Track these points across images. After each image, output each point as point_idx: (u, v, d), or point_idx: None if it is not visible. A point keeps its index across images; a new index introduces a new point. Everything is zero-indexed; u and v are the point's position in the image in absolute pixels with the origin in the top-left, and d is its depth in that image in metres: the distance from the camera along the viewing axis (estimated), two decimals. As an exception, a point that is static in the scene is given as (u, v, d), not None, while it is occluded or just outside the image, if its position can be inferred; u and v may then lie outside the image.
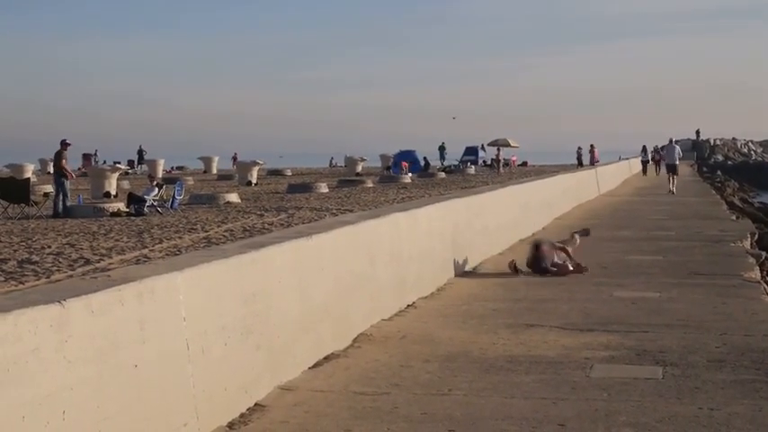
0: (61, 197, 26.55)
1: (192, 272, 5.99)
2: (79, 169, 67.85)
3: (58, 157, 27.39)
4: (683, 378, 7.26)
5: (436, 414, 6.37)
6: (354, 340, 8.64)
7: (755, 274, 13.29)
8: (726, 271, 13.30)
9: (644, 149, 58.66)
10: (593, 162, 61.99)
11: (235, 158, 64.48)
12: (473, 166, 66.74)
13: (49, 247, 17.46)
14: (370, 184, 43.40)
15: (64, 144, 27.26)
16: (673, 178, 36.49)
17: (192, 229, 20.97)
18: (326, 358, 7.91)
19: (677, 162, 37.56)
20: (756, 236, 20.57)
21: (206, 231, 20.17)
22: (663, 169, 45.76)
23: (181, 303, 5.79)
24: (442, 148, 76.36)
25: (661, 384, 7.11)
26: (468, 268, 13.61)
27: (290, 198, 33.67)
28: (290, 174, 63.32)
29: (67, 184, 26.93)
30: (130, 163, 73.41)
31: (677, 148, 38.78)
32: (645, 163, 57.66)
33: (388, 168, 63.17)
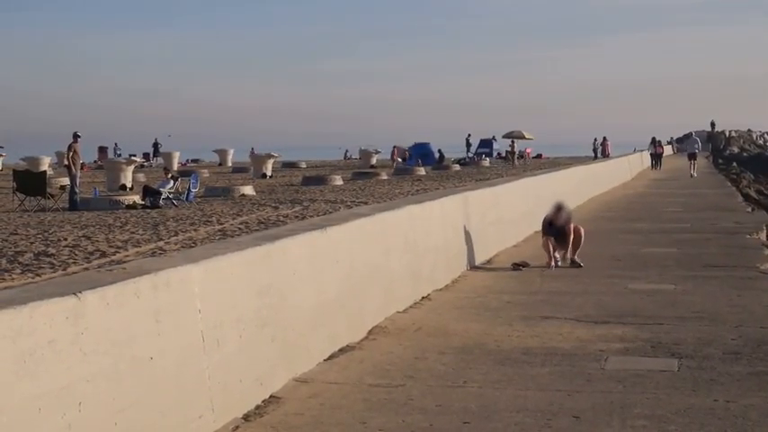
0: (69, 190, 26.70)
1: (207, 264, 6.01)
2: (95, 162, 68.21)
3: (67, 149, 27.55)
4: (699, 370, 7.23)
5: (451, 406, 6.38)
6: (369, 332, 8.64)
7: (772, 266, 13.22)
8: (741, 263, 13.24)
9: (653, 141, 58.00)
10: (604, 154, 61.78)
11: (252, 153, 64.55)
12: (488, 159, 66.62)
13: (66, 239, 17.54)
14: (385, 177, 43.37)
15: (75, 136, 27.35)
16: (693, 164, 45.03)
17: (208, 221, 21.02)
18: (341, 350, 7.92)
19: (696, 151, 47.35)
20: (772, 227, 20.44)
21: (221, 224, 20.21)
22: (663, 165, 53.48)
23: (196, 296, 5.80)
24: (468, 141, 76.14)
25: (676, 377, 7.09)
26: (482, 260, 13.61)
27: (305, 190, 33.70)
28: (304, 166, 63.36)
29: (77, 176, 26.97)
30: (146, 156, 73.60)
31: (697, 139, 49.99)
32: (657, 156, 56.96)
33: (402, 160, 63.14)
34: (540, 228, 17.23)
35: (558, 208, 13.71)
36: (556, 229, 13.41)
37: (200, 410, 5.67)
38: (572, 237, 13.27)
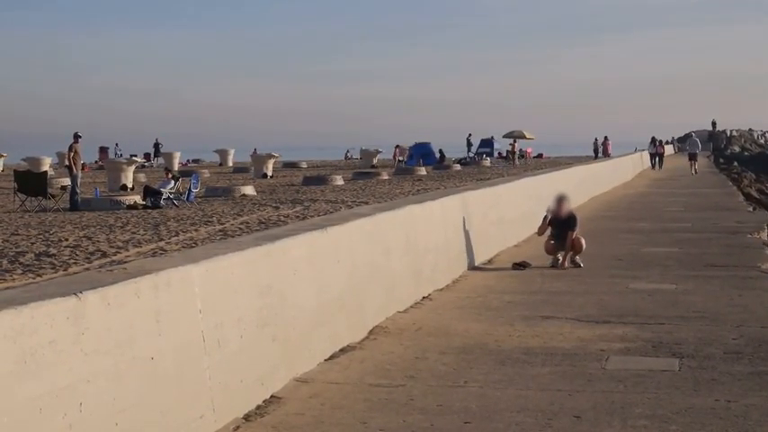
0: (70, 190, 26.70)
1: (207, 264, 6.01)
2: (96, 162, 68.23)
3: (68, 150, 27.57)
4: (700, 370, 7.23)
5: (452, 406, 6.37)
6: (370, 332, 8.64)
7: (773, 265, 13.21)
8: (743, 263, 13.24)
9: (653, 141, 57.73)
10: (605, 154, 61.76)
11: (254, 153, 64.60)
12: (488, 158, 66.60)
13: (66, 239, 17.54)
14: (386, 177, 43.35)
15: (75, 137, 27.36)
16: (694, 163, 47.55)
17: (208, 221, 21.03)
18: (342, 350, 7.92)
19: (697, 151, 49.84)
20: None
21: (222, 224, 20.21)
22: (663, 165, 53.74)
23: (197, 296, 5.80)
24: (468, 141, 76.17)
25: (677, 376, 7.08)
26: (483, 260, 13.60)
27: (306, 190, 33.70)
28: (305, 166, 63.36)
29: (78, 177, 26.94)
30: (147, 156, 73.60)
31: (697, 140, 51.92)
32: (658, 156, 56.64)
33: (401, 160, 63.09)
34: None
35: (560, 199, 13.71)
36: (560, 221, 13.35)
37: (200, 410, 5.67)
38: (572, 245, 13.23)
